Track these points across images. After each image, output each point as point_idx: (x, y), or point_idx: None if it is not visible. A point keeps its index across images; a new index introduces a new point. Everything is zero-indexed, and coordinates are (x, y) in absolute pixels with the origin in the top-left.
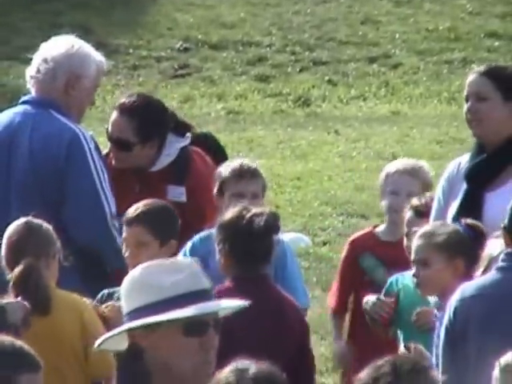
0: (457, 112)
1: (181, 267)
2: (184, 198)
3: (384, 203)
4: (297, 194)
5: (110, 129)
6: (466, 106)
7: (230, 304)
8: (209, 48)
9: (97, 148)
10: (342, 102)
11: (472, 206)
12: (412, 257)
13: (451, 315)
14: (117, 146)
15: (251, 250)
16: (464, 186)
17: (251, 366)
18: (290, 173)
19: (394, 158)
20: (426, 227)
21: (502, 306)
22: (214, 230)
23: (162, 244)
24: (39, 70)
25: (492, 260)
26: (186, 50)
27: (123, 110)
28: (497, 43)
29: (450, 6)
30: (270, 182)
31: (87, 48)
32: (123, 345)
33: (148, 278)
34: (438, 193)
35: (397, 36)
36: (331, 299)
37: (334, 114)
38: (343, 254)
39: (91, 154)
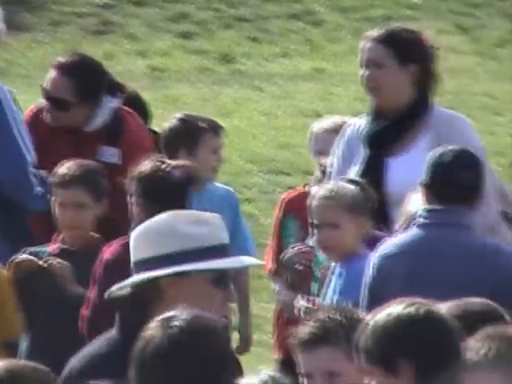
0: None
1: (207, 220)
2: (117, 160)
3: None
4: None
5: (47, 87)
6: (362, 73)
7: (252, 262)
8: (131, 4)
9: (13, 100)
10: (265, 60)
11: (374, 171)
12: (317, 219)
13: (373, 273)
14: (54, 105)
15: (168, 200)
16: (364, 151)
17: (179, 315)
18: None
19: (318, 115)
20: (328, 188)
21: (424, 263)
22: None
23: (97, 204)
24: None
25: (411, 217)
26: (108, 6)
27: (62, 69)
28: (418, 1)
29: None
30: None
31: None
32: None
33: (176, 226)
34: (337, 155)
35: None
36: (267, 261)
37: (257, 72)
38: (275, 213)
39: (8, 104)
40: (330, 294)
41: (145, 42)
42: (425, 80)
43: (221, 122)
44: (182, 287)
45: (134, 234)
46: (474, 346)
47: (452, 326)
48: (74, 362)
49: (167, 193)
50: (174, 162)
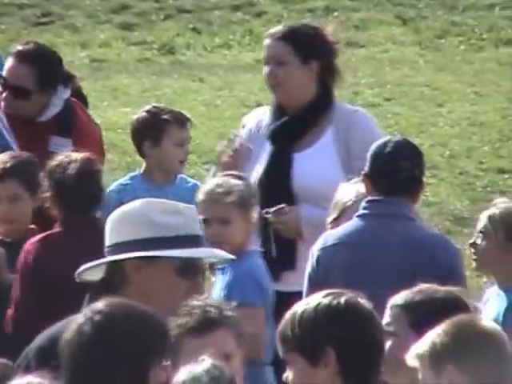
0: None
1: (181, 209)
2: (69, 150)
3: None
4: None
5: (6, 75)
6: (265, 70)
7: (221, 254)
8: None
9: None
10: (206, 50)
11: (280, 166)
12: (207, 214)
13: (314, 263)
14: (14, 93)
15: (77, 194)
16: (269, 146)
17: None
18: None
19: (259, 105)
20: (216, 183)
21: (365, 254)
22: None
23: (33, 196)
24: None
25: (346, 207)
26: None
27: (22, 57)
28: None
29: None
30: None
31: None
32: (98, 276)
33: (148, 214)
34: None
35: None
36: None
37: (198, 62)
38: None
39: None
40: (217, 292)
41: (85, 32)
42: (327, 76)
43: None
44: (146, 273)
45: (110, 219)
46: (432, 338)
47: (372, 317)
48: (37, 342)
49: (68, 186)
50: (76, 156)
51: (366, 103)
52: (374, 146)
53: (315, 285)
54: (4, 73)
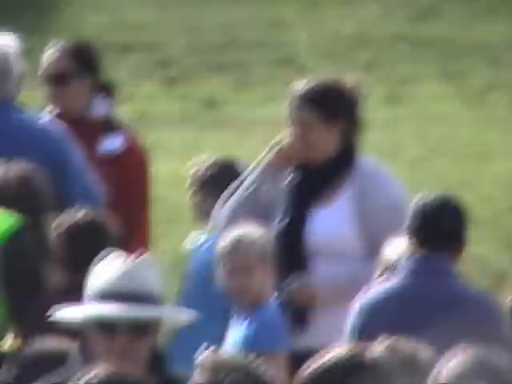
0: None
1: (124, 263)
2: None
3: None
4: None
5: (43, 68)
6: (290, 131)
7: (141, 313)
8: (115, 50)
9: None
10: (248, 106)
11: (296, 223)
12: (229, 264)
13: (356, 319)
14: (53, 82)
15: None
16: (288, 201)
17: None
18: None
19: None
20: (239, 233)
21: (411, 311)
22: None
23: None
24: None
25: (390, 265)
26: None
27: (57, 48)
28: (402, 47)
29: (356, 10)
30: (178, 184)
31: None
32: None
33: (95, 271)
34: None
35: (303, 39)
36: None
37: (241, 117)
38: None
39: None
40: (235, 342)
41: (129, 86)
42: (351, 131)
43: None
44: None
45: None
46: None
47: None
48: None
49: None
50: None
51: (410, 159)
52: (416, 202)
53: (358, 339)
54: (42, 67)
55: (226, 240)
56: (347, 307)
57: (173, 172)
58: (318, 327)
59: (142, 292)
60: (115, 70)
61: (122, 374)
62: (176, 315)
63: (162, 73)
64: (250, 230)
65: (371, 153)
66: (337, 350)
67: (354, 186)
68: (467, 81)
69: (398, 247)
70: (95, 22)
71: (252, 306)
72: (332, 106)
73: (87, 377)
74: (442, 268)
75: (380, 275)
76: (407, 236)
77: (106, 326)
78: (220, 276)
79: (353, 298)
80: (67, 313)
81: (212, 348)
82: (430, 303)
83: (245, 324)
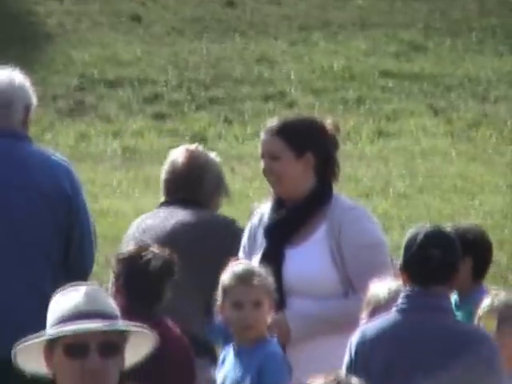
0: (352, 151)
1: (80, 290)
2: None
3: None
4: None
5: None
6: (261, 165)
7: (94, 325)
8: (104, 86)
9: None
10: (237, 141)
11: (272, 260)
12: (239, 297)
13: (352, 356)
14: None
15: (145, 289)
16: (264, 240)
17: None
18: None
19: None
20: (246, 267)
21: (405, 348)
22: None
23: None
24: None
25: (379, 306)
26: (81, 87)
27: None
28: (390, 83)
29: (344, 46)
30: None
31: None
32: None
33: (53, 303)
34: (243, 241)
35: (292, 74)
36: None
37: (230, 153)
38: None
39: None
40: (236, 375)
41: (118, 122)
42: (323, 168)
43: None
44: (51, 359)
45: None
46: None
47: None
48: None
49: (143, 282)
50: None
51: (398, 194)
52: (407, 236)
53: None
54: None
55: (233, 273)
56: (324, 343)
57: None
58: (294, 364)
59: (107, 311)
60: (104, 106)
61: None
62: (142, 330)
63: (151, 108)
64: (254, 265)
65: (360, 188)
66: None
67: (329, 224)
68: (455, 116)
69: (384, 288)
70: (84, 57)
71: (255, 342)
72: (301, 137)
73: None
74: (433, 303)
75: (370, 315)
76: (400, 270)
77: (77, 347)
78: (221, 309)
79: (331, 332)
80: (30, 341)
81: None
82: (422, 340)
83: (237, 358)
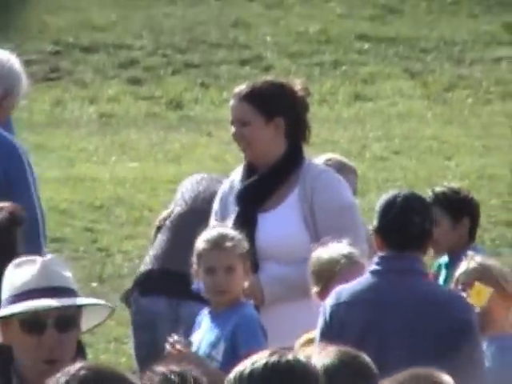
0: (328, 114)
1: (35, 263)
2: None
3: None
4: (170, 196)
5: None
6: (231, 131)
7: (74, 301)
8: (80, 51)
9: None
10: (214, 105)
11: (244, 226)
12: (212, 263)
13: (327, 319)
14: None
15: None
16: (236, 206)
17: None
18: (164, 176)
19: None
20: (219, 232)
21: (380, 311)
22: None
23: None
24: None
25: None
26: (56, 53)
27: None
28: (366, 46)
29: (320, 9)
30: (144, 185)
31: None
32: None
33: (8, 274)
34: (214, 208)
35: (268, 38)
36: None
37: (206, 117)
38: None
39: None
40: (210, 339)
41: (94, 88)
42: (294, 132)
43: (170, 168)
44: (8, 335)
45: None
46: None
47: (314, 377)
48: None
49: None
50: None
51: (374, 157)
52: (382, 201)
53: (328, 340)
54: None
55: (206, 238)
56: (293, 305)
57: (138, 173)
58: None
59: (62, 286)
60: (79, 71)
61: (104, 369)
62: (98, 304)
63: (126, 73)
64: (228, 230)
65: (337, 151)
66: (258, 356)
67: (300, 188)
68: (431, 78)
69: (330, 254)
70: (59, 22)
71: (230, 306)
72: (269, 101)
73: (68, 374)
74: (410, 267)
75: (321, 289)
76: (374, 234)
77: (33, 323)
78: (197, 274)
79: (304, 296)
80: None
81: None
82: (398, 302)
83: (213, 323)
